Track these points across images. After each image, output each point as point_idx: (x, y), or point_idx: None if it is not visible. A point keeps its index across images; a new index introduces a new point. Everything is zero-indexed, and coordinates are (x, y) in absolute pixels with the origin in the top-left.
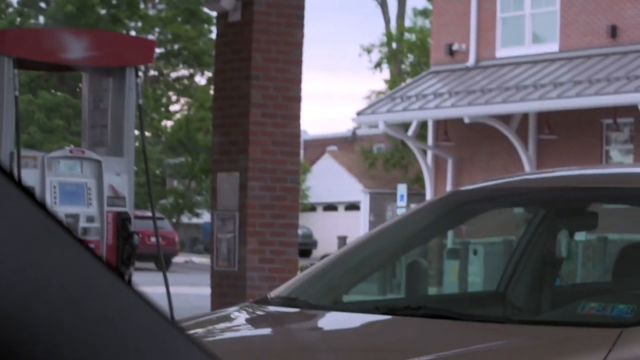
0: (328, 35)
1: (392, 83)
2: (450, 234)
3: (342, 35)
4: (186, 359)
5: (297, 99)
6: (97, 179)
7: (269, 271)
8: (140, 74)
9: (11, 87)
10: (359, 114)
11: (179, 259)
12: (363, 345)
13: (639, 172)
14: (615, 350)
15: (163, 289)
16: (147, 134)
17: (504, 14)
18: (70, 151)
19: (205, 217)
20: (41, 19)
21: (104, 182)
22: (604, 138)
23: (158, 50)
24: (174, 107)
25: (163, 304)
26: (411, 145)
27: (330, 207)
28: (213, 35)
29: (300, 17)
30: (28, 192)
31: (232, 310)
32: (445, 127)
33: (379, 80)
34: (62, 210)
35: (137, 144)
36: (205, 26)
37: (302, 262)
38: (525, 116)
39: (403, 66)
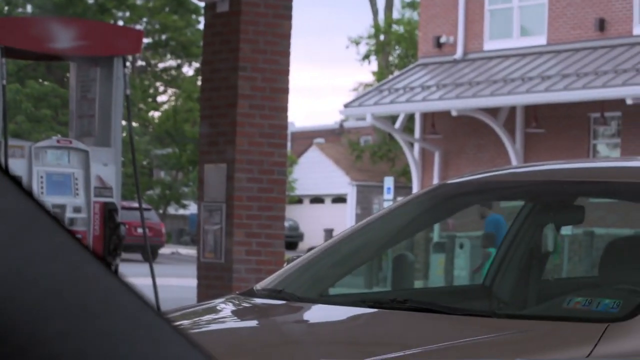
0: (316, 26)
1: (380, 75)
2: (436, 227)
3: (330, 27)
4: (173, 349)
5: (285, 91)
6: (84, 169)
7: (255, 263)
8: (128, 64)
9: None
10: (346, 106)
11: (165, 250)
12: (349, 338)
13: (626, 166)
14: (600, 345)
15: (149, 280)
16: (134, 124)
17: (492, 6)
18: (58, 141)
19: (192, 208)
20: (29, 8)
21: (91, 173)
22: (591, 132)
23: (146, 41)
24: (161, 98)
25: (149, 295)
26: (398, 137)
27: (317, 199)
28: (201, 26)
29: (288, 8)
30: (15, 180)
31: (219, 302)
32: (433, 120)
33: (367, 72)
34: (49, 200)
35: (124, 134)
36: (193, 17)
37: (288, 254)
38: (512, 109)
39: (391, 58)
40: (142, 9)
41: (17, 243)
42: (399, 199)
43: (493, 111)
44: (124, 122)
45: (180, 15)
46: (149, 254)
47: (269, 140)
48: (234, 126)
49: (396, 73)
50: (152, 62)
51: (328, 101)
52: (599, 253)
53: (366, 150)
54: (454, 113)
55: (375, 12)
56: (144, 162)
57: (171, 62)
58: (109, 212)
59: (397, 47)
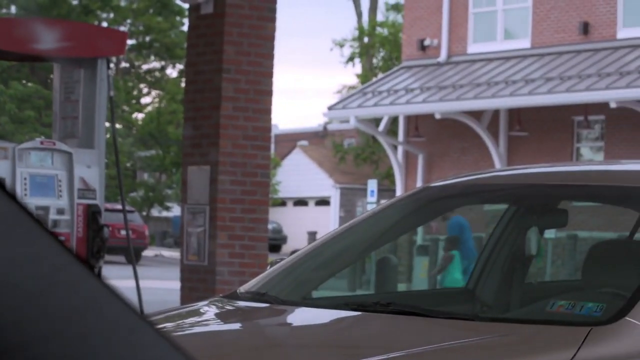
0: (299, 28)
1: (364, 78)
2: (420, 230)
3: (314, 29)
4: (155, 352)
5: (269, 93)
6: (67, 171)
7: (238, 266)
8: (112, 65)
9: None
10: (330, 108)
11: (148, 252)
12: (332, 341)
13: (609, 169)
14: (583, 348)
15: (133, 283)
16: (118, 126)
17: (476, 9)
18: (41, 142)
19: (176, 210)
20: (13, 9)
21: (75, 174)
22: (575, 135)
23: (129, 42)
24: (145, 100)
25: (132, 297)
26: (382, 140)
27: (301, 202)
28: (185, 28)
29: (272, 11)
30: None
31: (202, 305)
32: (416, 123)
33: (351, 74)
34: (32, 202)
35: (108, 136)
36: (177, 18)
37: (271, 257)
38: (496, 112)
39: (375, 61)
40: (126, 11)
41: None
42: (383, 201)
43: (477, 114)
44: (107, 124)
45: (164, 17)
46: (132, 257)
47: (253, 143)
48: (218, 128)
49: (380, 76)
50: (136, 63)
51: (312, 103)
52: (582, 256)
53: (350, 152)
54: (437, 116)
55: (359, 15)
56: (128, 164)
57: (155, 64)
58: (92, 214)
59: (381, 50)
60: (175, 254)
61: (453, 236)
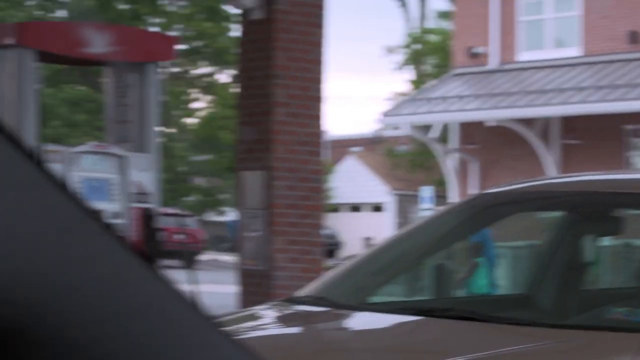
0: (351, 35)
1: (415, 85)
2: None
3: (366, 35)
4: (222, 352)
5: (319, 99)
6: (121, 174)
7: (295, 270)
8: (162, 70)
9: (33, 80)
10: (383, 115)
11: (204, 256)
12: (392, 345)
13: None
14: None
15: (188, 287)
16: (170, 131)
17: (525, 17)
18: (95, 146)
19: (231, 215)
20: (63, 13)
21: (129, 178)
22: (626, 144)
23: (179, 47)
24: (196, 105)
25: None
26: (434, 147)
27: (355, 208)
28: (234, 33)
29: (320, 17)
30: (59, 182)
31: (261, 309)
32: (469, 130)
33: (400, 81)
34: None
35: (161, 140)
36: (227, 24)
37: (326, 262)
38: (548, 120)
39: (425, 67)
40: (176, 16)
41: (63, 245)
42: (438, 208)
43: (528, 122)
44: (160, 128)
45: (214, 22)
46: (188, 261)
47: (305, 148)
48: (271, 134)
49: (432, 83)
50: (186, 68)
51: (364, 110)
52: (638, 264)
53: (404, 158)
54: (489, 123)
55: (409, 22)
56: (182, 169)
57: (205, 69)
58: (147, 218)
59: (431, 57)
60: (230, 258)
61: (476, 243)
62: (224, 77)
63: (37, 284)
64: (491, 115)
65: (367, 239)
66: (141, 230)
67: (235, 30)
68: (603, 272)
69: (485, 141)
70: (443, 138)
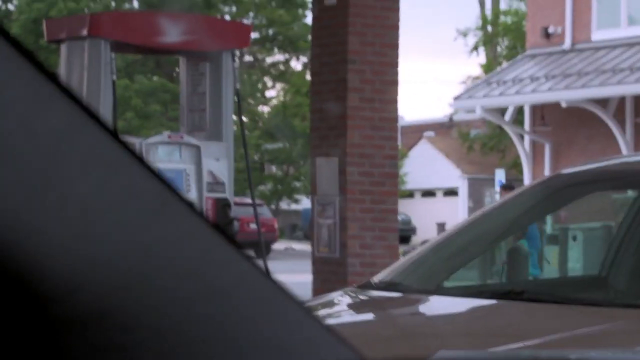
0: (423, 18)
1: (488, 67)
2: (549, 219)
3: (437, 19)
4: (307, 332)
5: (394, 83)
6: (196, 164)
7: (369, 257)
8: (236, 58)
9: (108, 71)
10: (455, 99)
11: (278, 245)
12: (468, 329)
13: None
14: None
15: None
16: (244, 119)
17: None
18: (169, 136)
19: (304, 203)
20: (136, 3)
21: (203, 168)
22: None
23: (253, 35)
24: (270, 93)
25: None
26: (508, 130)
27: (428, 193)
28: (307, 20)
29: (395, 1)
30: (145, 163)
31: (336, 295)
32: (542, 112)
33: (475, 64)
34: None
35: (235, 128)
36: (300, 11)
37: (401, 248)
38: (622, 99)
39: (499, 49)
40: (249, 4)
41: (150, 225)
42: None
43: (602, 102)
44: (234, 117)
45: (287, 10)
46: (263, 250)
47: (380, 134)
48: (345, 119)
49: (504, 65)
50: (260, 57)
51: (436, 94)
52: None
53: (476, 141)
54: (563, 104)
55: (482, 3)
56: (255, 157)
57: (279, 57)
58: (222, 208)
59: (504, 39)
60: (305, 246)
61: None
62: (297, 64)
63: (123, 266)
64: (564, 96)
65: (441, 224)
66: (216, 220)
67: (309, 18)
68: None
69: (558, 122)
70: (517, 120)
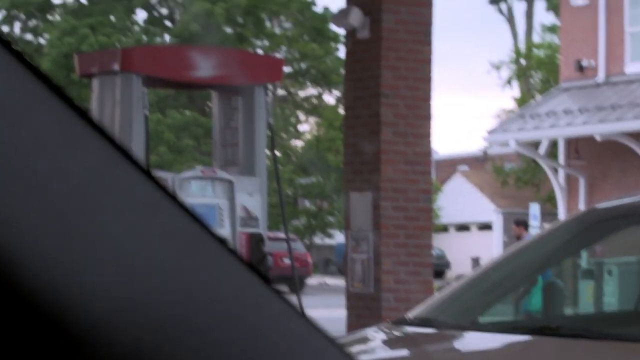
0: (456, 52)
1: (522, 100)
2: (584, 254)
3: (470, 52)
4: None
5: (428, 117)
6: (229, 199)
7: (404, 292)
8: (269, 92)
9: (140, 105)
10: (489, 132)
11: (312, 280)
12: None
13: None
14: None
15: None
16: (277, 153)
17: (633, 28)
18: (202, 171)
19: (338, 237)
20: (167, 38)
21: (236, 203)
22: None
23: (285, 69)
24: (302, 127)
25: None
26: (543, 163)
27: (463, 227)
28: (340, 54)
29: (428, 34)
30: (179, 202)
31: (371, 331)
32: (577, 145)
33: (508, 97)
34: None
35: (268, 163)
36: (332, 44)
37: (435, 283)
38: None
39: (532, 82)
40: (281, 38)
41: (185, 266)
42: (546, 225)
43: (636, 135)
44: (267, 151)
45: (319, 44)
46: (297, 285)
47: (414, 168)
48: (378, 154)
49: (538, 98)
50: (292, 90)
51: (470, 128)
52: None
53: (511, 174)
54: (597, 138)
55: (515, 36)
56: (289, 192)
57: (312, 91)
58: (255, 243)
59: (537, 72)
60: (339, 281)
61: None
62: (330, 98)
63: (158, 308)
64: (598, 129)
65: (476, 259)
66: (249, 255)
67: (341, 51)
68: None
69: (593, 156)
70: (552, 154)
